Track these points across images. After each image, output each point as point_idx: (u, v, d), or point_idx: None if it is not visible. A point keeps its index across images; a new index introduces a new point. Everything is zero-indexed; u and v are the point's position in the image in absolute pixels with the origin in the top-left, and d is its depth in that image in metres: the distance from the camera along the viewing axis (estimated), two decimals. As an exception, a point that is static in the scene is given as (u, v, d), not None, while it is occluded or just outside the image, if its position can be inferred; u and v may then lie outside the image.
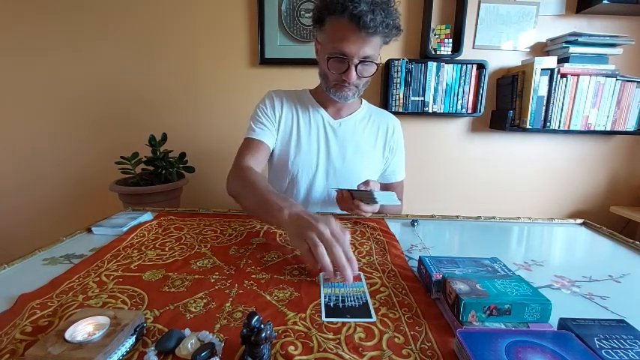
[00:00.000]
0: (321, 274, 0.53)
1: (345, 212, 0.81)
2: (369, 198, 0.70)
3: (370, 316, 0.43)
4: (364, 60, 0.79)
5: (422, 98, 1.49)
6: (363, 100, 1.03)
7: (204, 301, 0.46)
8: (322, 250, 0.50)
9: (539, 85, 1.41)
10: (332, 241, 0.51)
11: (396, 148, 1.01)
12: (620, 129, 1.47)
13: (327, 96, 0.89)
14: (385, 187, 1.03)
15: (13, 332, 0.39)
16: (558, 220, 0.85)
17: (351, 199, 0.76)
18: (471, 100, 1.49)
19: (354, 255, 0.52)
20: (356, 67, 0.79)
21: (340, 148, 0.94)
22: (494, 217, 0.85)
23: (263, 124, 0.92)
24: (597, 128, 1.47)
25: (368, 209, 0.75)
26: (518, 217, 0.85)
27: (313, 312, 0.44)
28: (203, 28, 1.54)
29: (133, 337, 0.37)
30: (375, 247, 0.66)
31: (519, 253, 0.68)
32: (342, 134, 0.95)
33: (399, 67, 1.45)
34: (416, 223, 0.80)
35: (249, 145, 0.90)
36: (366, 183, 0.76)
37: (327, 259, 0.50)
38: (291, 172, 0.94)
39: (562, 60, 1.44)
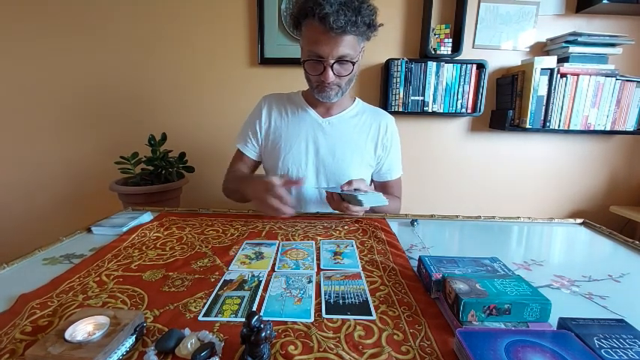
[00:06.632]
0: (321, 273, 0.54)
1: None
2: (356, 200, 0.72)
3: (370, 314, 0.43)
4: (340, 59, 0.80)
5: (422, 98, 1.49)
6: (357, 98, 1.03)
7: (205, 300, 0.46)
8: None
9: (539, 84, 1.41)
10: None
11: (390, 147, 1.00)
12: (619, 129, 1.47)
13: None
14: (382, 185, 1.04)
15: (13, 332, 0.39)
16: (558, 220, 0.85)
17: (341, 201, 0.78)
18: (470, 99, 1.49)
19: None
20: (332, 67, 0.80)
21: (329, 146, 0.95)
22: (493, 217, 0.85)
23: (249, 137, 0.99)
24: (597, 128, 1.46)
25: (357, 210, 0.77)
26: (518, 217, 0.85)
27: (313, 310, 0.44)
28: (203, 28, 1.54)
29: (133, 337, 0.37)
30: (376, 246, 0.66)
31: (519, 252, 0.68)
32: (331, 132, 0.95)
33: (399, 67, 1.45)
34: (415, 223, 0.80)
35: (237, 157, 1.03)
36: (349, 183, 0.77)
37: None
38: (282, 170, 0.96)
39: (562, 60, 1.44)
